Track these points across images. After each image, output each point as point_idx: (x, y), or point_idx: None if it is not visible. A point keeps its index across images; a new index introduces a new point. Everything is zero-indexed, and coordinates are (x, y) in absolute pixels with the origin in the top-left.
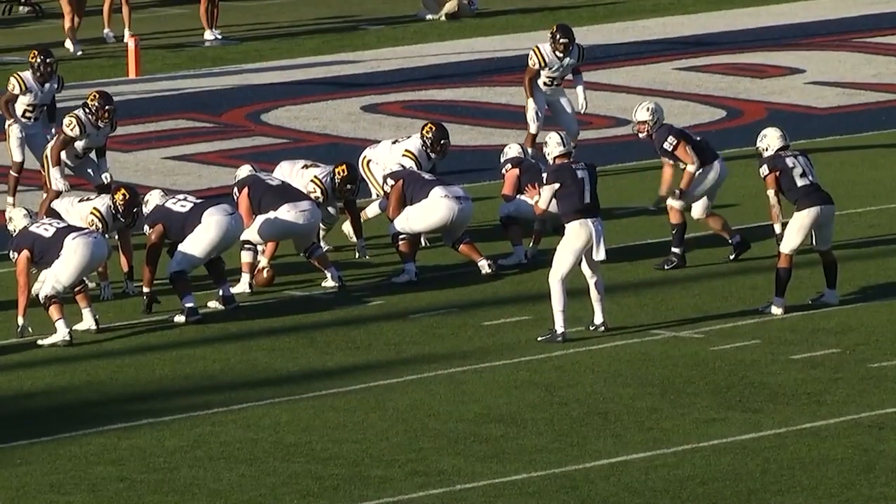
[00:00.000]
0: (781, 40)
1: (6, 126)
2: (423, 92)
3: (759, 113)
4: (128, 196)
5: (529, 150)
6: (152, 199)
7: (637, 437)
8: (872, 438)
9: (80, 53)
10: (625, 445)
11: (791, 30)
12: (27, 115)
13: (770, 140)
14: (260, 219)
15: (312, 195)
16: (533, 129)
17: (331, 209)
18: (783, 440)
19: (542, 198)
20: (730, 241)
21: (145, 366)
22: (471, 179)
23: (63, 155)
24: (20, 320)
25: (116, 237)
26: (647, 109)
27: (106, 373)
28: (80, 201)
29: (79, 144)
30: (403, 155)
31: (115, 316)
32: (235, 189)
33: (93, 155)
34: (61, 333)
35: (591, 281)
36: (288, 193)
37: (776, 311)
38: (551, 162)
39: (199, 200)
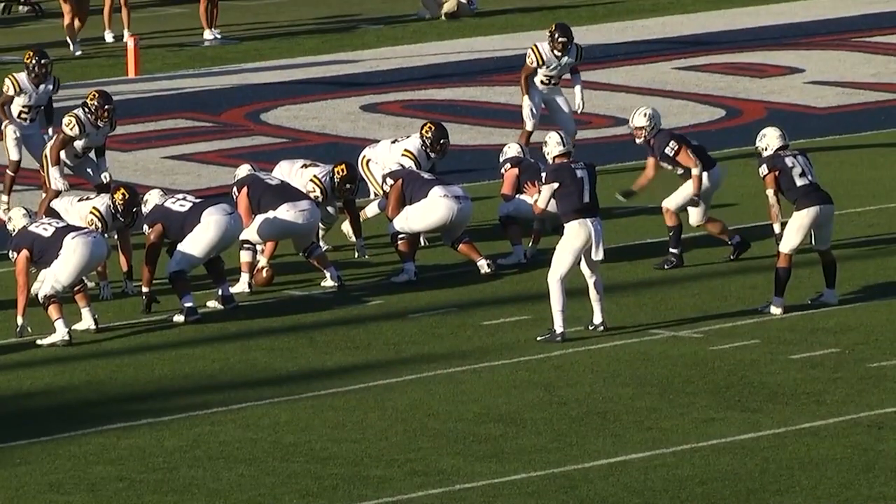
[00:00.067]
0: (781, 40)
1: (2, 126)
2: (423, 91)
3: (759, 112)
4: (127, 195)
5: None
6: (151, 199)
7: (636, 436)
8: (871, 438)
9: (79, 53)
10: (624, 445)
11: (790, 29)
12: (23, 116)
13: (769, 140)
14: (259, 218)
15: (312, 195)
16: (529, 126)
17: (330, 209)
18: (782, 440)
19: (542, 197)
20: (729, 242)
21: (144, 365)
22: (470, 179)
23: (62, 154)
24: (19, 320)
25: (116, 237)
26: (644, 115)
27: (105, 372)
28: (79, 201)
29: (78, 144)
30: (403, 154)
31: (114, 316)
32: (234, 188)
33: (92, 154)
34: (60, 333)
35: (591, 281)
36: (287, 193)
37: (775, 310)
38: (551, 161)
39: (198, 200)
